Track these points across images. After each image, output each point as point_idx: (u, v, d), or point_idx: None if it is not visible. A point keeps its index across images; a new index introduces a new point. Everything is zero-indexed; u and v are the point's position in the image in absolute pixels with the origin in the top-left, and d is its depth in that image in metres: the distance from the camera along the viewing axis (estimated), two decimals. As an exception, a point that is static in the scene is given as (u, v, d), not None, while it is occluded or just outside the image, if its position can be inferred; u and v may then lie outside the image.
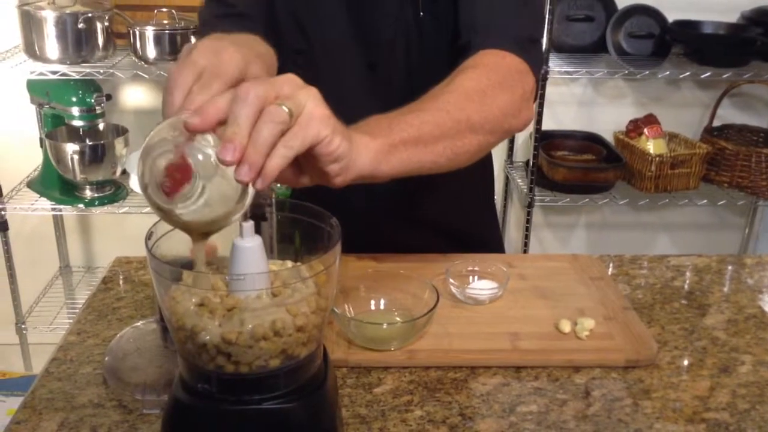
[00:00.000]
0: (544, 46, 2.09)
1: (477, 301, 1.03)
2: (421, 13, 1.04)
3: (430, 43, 1.05)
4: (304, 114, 0.64)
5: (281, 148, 0.63)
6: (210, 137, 0.62)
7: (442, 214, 1.21)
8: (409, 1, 1.04)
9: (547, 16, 2.06)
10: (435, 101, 0.85)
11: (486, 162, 1.26)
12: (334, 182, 0.72)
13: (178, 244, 0.68)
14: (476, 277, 1.07)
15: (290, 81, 0.66)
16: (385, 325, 0.93)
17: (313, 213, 0.71)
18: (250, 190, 0.63)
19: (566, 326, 0.97)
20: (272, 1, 1.08)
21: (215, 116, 0.62)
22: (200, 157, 0.61)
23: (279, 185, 1.04)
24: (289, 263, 0.70)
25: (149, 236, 0.65)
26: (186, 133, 0.62)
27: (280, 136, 0.63)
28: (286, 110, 0.63)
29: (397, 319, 0.96)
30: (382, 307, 0.99)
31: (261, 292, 0.63)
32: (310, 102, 0.65)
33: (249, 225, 0.65)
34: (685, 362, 0.95)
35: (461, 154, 0.86)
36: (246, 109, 0.61)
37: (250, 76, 0.73)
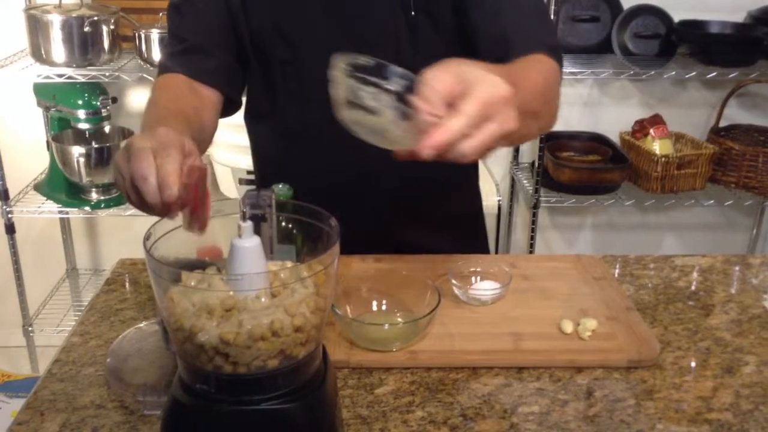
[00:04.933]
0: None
1: (479, 302, 1.03)
2: (413, 13, 1.04)
3: (425, 43, 1.05)
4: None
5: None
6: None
7: (438, 207, 1.21)
8: (398, 2, 1.04)
9: (551, 17, 2.05)
10: (535, 82, 0.92)
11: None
12: None
13: (178, 246, 0.69)
14: (478, 278, 1.06)
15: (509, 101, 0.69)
16: (386, 326, 0.93)
17: (312, 213, 0.71)
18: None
19: (568, 327, 0.97)
20: (248, 19, 1.08)
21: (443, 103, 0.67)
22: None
23: (281, 186, 1.04)
24: (289, 264, 0.70)
25: (147, 237, 0.65)
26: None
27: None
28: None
29: (399, 319, 0.96)
30: (383, 307, 0.99)
31: (259, 292, 0.63)
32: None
33: (248, 225, 0.65)
34: (689, 363, 0.94)
35: (524, 138, 0.97)
36: (474, 115, 0.66)
37: (187, 143, 0.74)
